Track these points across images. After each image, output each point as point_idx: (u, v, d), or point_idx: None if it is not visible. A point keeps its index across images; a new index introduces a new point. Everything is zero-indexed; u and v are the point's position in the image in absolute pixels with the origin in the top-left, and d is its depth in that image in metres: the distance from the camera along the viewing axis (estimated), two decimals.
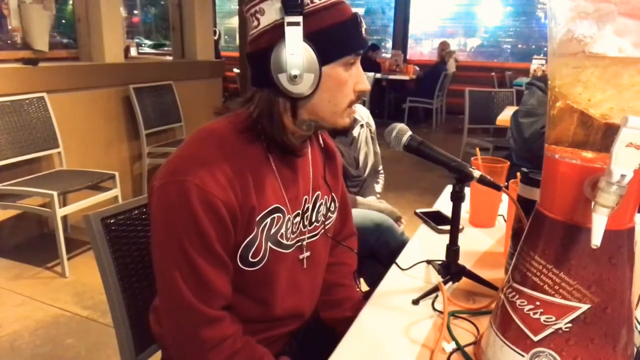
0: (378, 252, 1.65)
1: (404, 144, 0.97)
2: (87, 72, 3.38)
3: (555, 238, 0.66)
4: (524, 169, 1.01)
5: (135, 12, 9.51)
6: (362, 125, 1.97)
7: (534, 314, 0.67)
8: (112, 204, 1.09)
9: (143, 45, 9.00)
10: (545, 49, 4.90)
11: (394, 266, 1.11)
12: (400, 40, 9.05)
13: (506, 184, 1.17)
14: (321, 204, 1.01)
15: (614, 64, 0.61)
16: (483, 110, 4.33)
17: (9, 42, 3.47)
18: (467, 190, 1.01)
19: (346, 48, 0.83)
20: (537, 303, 0.67)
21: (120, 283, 1.01)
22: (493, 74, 6.83)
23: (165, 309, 0.86)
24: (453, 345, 0.81)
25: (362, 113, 2.01)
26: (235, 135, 0.86)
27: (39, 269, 2.73)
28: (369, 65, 6.95)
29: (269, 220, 0.88)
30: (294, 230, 0.94)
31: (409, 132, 0.98)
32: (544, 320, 0.66)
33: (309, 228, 0.98)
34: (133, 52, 5.67)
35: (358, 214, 1.68)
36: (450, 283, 1.00)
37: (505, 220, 1.29)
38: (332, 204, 1.05)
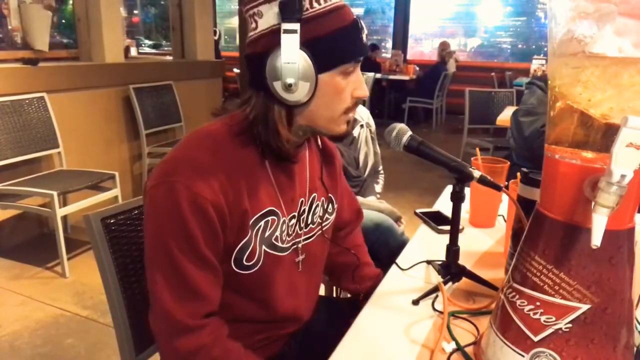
0: (378, 252, 1.65)
1: (404, 144, 0.97)
2: (87, 72, 3.38)
3: (555, 238, 0.66)
4: (524, 169, 1.01)
5: (135, 12, 9.51)
6: (362, 126, 1.97)
7: (534, 314, 0.67)
8: (112, 204, 1.09)
9: (143, 45, 9.01)
10: (545, 49, 4.90)
11: (394, 266, 1.11)
12: (400, 40, 9.05)
13: (506, 184, 1.17)
14: (317, 205, 1.00)
15: (614, 64, 0.61)
16: (483, 110, 4.33)
17: (9, 42, 3.47)
18: (467, 190, 1.01)
19: (345, 56, 0.81)
20: (537, 303, 0.67)
21: (120, 283, 1.01)
22: (493, 74, 6.83)
23: (151, 313, 0.86)
24: (453, 345, 0.81)
25: (362, 113, 2.01)
26: (230, 137, 0.85)
27: (39, 269, 2.73)
28: (369, 65, 6.95)
29: (262, 223, 0.87)
30: (290, 232, 0.93)
31: (409, 132, 0.98)
32: (544, 321, 0.66)
33: (305, 230, 0.97)
34: (133, 52, 5.67)
35: None
36: (450, 283, 1.00)
37: (505, 221, 1.29)
38: (330, 205, 1.04)
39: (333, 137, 0.90)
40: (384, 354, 0.81)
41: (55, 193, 2.51)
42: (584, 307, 0.64)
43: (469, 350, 0.80)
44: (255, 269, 0.88)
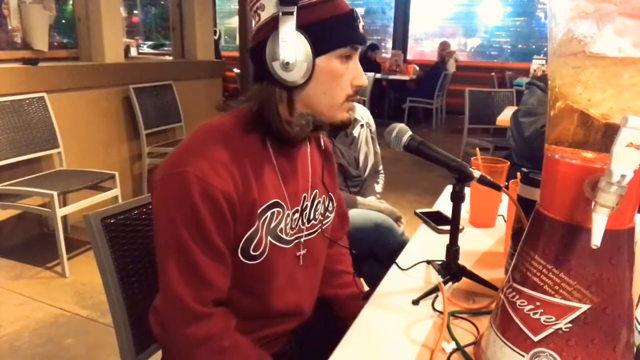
0: (378, 252, 1.65)
1: (404, 144, 0.97)
2: (87, 72, 3.38)
3: (555, 238, 0.66)
4: (524, 169, 1.01)
5: (135, 12, 9.51)
6: (362, 125, 1.97)
7: (534, 314, 0.67)
8: (112, 204, 1.09)
9: (143, 45, 9.01)
10: (545, 49, 4.90)
11: (394, 266, 1.11)
12: (400, 40, 9.05)
13: (506, 184, 1.17)
14: (319, 202, 1.01)
15: (614, 64, 0.61)
16: (483, 110, 4.33)
17: (9, 42, 3.47)
18: (467, 190, 1.01)
19: (340, 40, 0.85)
20: (537, 303, 0.67)
21: (120, 283, 1.01)
22: (493, 74, 6.83)
23: (160, 303, 0.87)
24: (453, 345, 0.81)
25: (363, 113, 2.01)
26: (237, 129, 0.87)
27: (39, 269, 2.73)
28: (369, 65, 6.95)
29: (269, 214, 0.89)
30: (293, 226, 0.95)
31: (409, 132, 0.98)
32: (544, 321, 0.66)
33: (307, 226, 0.99)
34: (133, 52, 5.67)
35: (358, 214, 1.68)
36: (450, 283, 1.00)
37: (505, 221, 1.29)
38: (330, 204, 1.05)
39: (335, 126, 0.91)
40: (384, 354, 0.81)
41: (55, 193, 2.51)
42: (584, 307, 0.64)
43: (469, 350, 0.80)
44: (261, 259, 0.89)
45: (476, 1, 9.06)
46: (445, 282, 0.98)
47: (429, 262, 1.12)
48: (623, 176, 0.56)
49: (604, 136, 0.62)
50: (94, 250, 0.99)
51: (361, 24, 0.88)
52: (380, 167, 2.12)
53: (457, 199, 0.96)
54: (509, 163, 1.31)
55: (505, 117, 3.35)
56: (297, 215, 0.95)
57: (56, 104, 3.04)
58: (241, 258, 0.88)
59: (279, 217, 0.91)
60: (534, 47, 8.49)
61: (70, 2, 3.70)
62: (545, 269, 0.66)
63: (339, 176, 1.80)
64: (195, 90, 4.35)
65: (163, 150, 3.70)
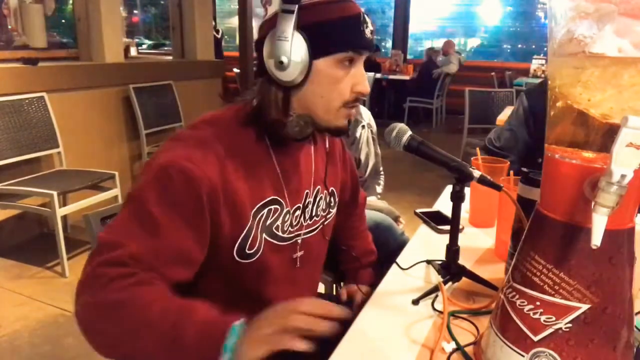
0: (378, 251, 1.65)
1: (404, 144, 0.97)
2: (87, 71, 3.38)
3: (555, 238, 0.66)
4: (524, 169, 1.01)
5: (135, 12, 9.51)
6: (363, 126, 1.97)
7: (534, 314, 0.67)
8: (112, 203, 1.09)
9: (143, 45, 9.01)
10: (545, 49, 4.90)
11: (394, 266, 1.11)
12: (400, 40, 9.04)
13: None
14: (321, 198, 1.01)
15: (614, 64, 0.61)
16: (483, 110, 4.33)
17: (8, 42, 3.47)
18: (467, 190, 1.01)
19: (341, 45, 0.82)
20: (537, 303, 0.67)
21: None
22: (493, 74, 6.82)
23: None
24: (453, 345, 0.81)
25: (364, 114, 2.01)
26: (236, 125, 0.86)
27: (39, 269, 2.73)
28: (369, 65, 6.93)
29: (265, 211, 0.88)
30: (294, 223, 0.94)
31: (409, 132, 0.98)
32: (544, 320, 0.66)
33: (309, 222, 0.98)
34: (133, 51, 5.67)
35: None
36: (450, 283, 1.00)
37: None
38: (332, 199, 1.05)
39: (330, 131, 0.90)
40: (384, 354, 0.81)
41: (55, 193, 2.51)
42: (584, 307, 0.64)
43: (469, 350, 0.80)
44: (256, 257, 0.88)
45: (476, 1, 9.06)
46: (445, 282, 0.98)
47: (429, 262, 1.12)
48: (623, 176, 0.56)
49: (604, 136, 0.62)
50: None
51: (369, 29, 0.84)
52: (381, 168, 2.12)
53: (457, 199, 0.96)
54: (508, 163, 1.31)
55: (505, 117, 3.35)
56: (298, 212, 0.95)
57: (56, 103, 3.04)
58: (237, 258, 0.87)
59: (276, 214, 0.90)
60: (534, 47, 8.50)
61: (70, 2, 3.70)
62: (545, 269, 0.66)
63: None
64: (195, 90, 4.35)
65: None
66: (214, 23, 5.94)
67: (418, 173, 4.73)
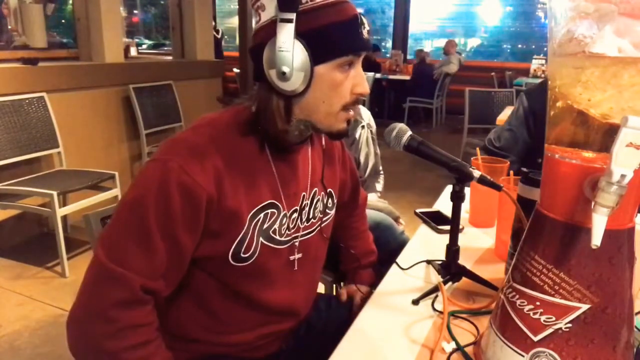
0: (378, 251, 1.65)
1: (404, 144, 0.97)
2: (87, 72, 3.38)
3: (555, 238, 0.66)
4: (524, 169, 1.01)
5: (135, 11, 9.52)
6: (363, 127, 1.97)
7: (534, 314, 0.67)
8: (111, 203, 1.09)
9: (143, 45, 9.01)
10: (545, 49, 4.90)
11: (394, 266, 1.11)
12: (400, 40, 9.04)
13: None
14: (318, 200, 1.01)
15: (614, 64, 0.61)
16: (483, 110, 4.33)
17: (8, 42, 3.48)
18: (467, 190, 1.01)
19: (341, 49, 0.81)
20: (537, 303, 0.67)
21: None
22: (493, 74, 6.82)
23: (89, 274, 0.81)
24: (453, 345, 0.81)
25: (364, 114, 2.01)
26: (234, 129, 0.86)
27: (39, 269, 2.73)
28: (369, 65, 6.95)
29: (262, 215, 0.88)
30: (291, 226, 0.94)
31: (409, 132, 0.98)
32: (544, 320, 0.66)
33: (306, 224, 0.98)
34: (133, 51, 5.67)
35: None
36: (450, 283, 1.00)
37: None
38: (330, 200, 1.05)
39: (331, 135, 0.90)
40: (384, 354, 0.81)
41: (55, 193, 2.51)
42: (584, 307, 0.64)
43: (469, 350, 0.80)
44: (251, 260, 0.88)
45: (476, 1, 9.07)
46: (445, 282, 0.98)
47: (429, 262, 1.12)
48: (623, 176, 0.56)
49: (604, 136, 0.62)
50: (94, 250, 0.99)
51: (366, 29, 0.84)
52: (380, 168, 2.12)
53: (457, 199, 0.96)
54: (508, 163, 1.31)
55: (505, 117, 3.35)
56: (295, 215, 0.94)
57: (56, 103, 3.04)
58: (232, 262, 0.86)
59: (273, 217, 0.90)
60: (534, 47, 8.50)
61: (70, 2, 3.70)
62: (545, 269, 0.66)
63: None
64: (195, 90, 4.35)
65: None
66: (214, 23, 5.94)
67: (418, 173, 4.73)
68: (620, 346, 0.66)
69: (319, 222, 1.02)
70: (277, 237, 0.91)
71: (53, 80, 3.12)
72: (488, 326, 0.77)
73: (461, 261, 1.01)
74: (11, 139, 2.78)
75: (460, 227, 1.05)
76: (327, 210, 1.04)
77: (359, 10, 0.85)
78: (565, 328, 0.65)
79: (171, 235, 0.79)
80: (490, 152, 1.78)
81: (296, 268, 0.97)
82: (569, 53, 0.64)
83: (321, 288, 1.38)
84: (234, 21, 10.22)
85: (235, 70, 7.22)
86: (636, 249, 0.67)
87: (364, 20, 0.84)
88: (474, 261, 1.15)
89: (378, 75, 7.10)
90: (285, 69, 0.78)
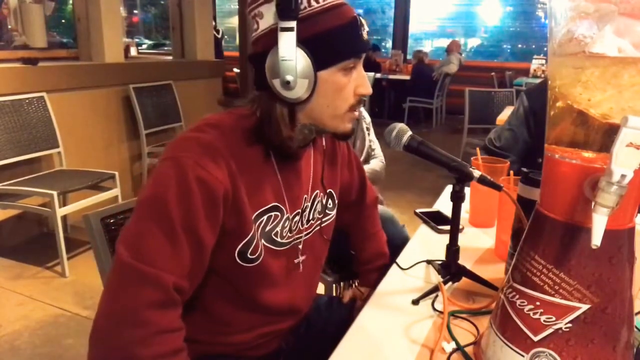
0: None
1: (404, 144, 0.97)
2: (87, 71, 3.38)
3: (555, 238, 0.66)
4: (524, 169, 1.01)
5: (135, 11, 9.52)
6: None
7: (534, 314, 0.67)
8: (112, 203, 1.09)
9: (143, 45, 9.01)
10: (545, 49, 4.90)
11: (394, 266, 1.11)
12: (400, 40, 9.04)
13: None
14: (318, 202, 1.01)
15: (614, 64, 0.61)
16: (483, 110, 4.33)
17: (8, 42, 3.48)
18: (467, 190, 1.01)
19: (343, 53, 0.81)
20: (537, 303, 0.67)
21: None
22: (493, 74, 6.82)
23: (113, 278, 0.76)
24: (453, 345, 0.81)
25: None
26: (239, 135, 0.85)
27: (39, 268, 2.73)
28: (369, 65, 6.95)
29: (265, 217, 0.88)
30: (292, 228, 0.94)
31: (409, 132, 0.98)
32: (544, 320, 0.66)
33: (306, 226, 0.98)
34: (133, 51, 5.67)
35: None
36: (450, 283, 1.00)
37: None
38: (330, 201, 1.04)
39: (337, 136, 0.90)
40: (384, 354, 0.81)
41: (55, 193, 2.51)
42: (584, 307, 0.64)
43: (469, 350, 0.80)
44: (257, 262, 0.88)
45: (476, 1, 9.06)
46: (445, 282, 0.98)
47: (429, 262, 1.12)
48: (623, 176, 0.56)
49: (604, 136, 0.62)
50: (94, 250, 0.99)
51: (365, 30, 0.84)
52: (381, 156, 2.10)
53: (457, 199, 0.96)
54: (508, 163, 1.31)
55: (505, 117, 3.35)
56: (297, 217, 0.95)
57: (56, 103, 3.04)
58: (239, 261, 0.86)
59: (276, 220, 0.90)
60: (534, 47, 8.50)
61: (70, 2, 3.70)
62: (545, 269, 0.66)
63: None
64: (195, 90, 4.35)
65: (163, 150, 3.70)
66: (214, 23, 5.94)
67: (418, 173, 4.73)
68: (620, 346, 0.66)
69: (318, 223, 1.02)
70: (279, 240, 0.92)
71: (53, 80, 3.12)
72: (488, 326, 0.77)
73: (461, 261, 1.01)
74: (11, 139, 2.78)
75: (460, 227, 1.05)
76: (326, 211, 1.04)
77: (359, 10, 0.86)
78: (565, 328, 0.65)
79: (194, 232, 0.77)
80: (490, 151, 1.79)
81: (301, 270, 0.98)
82: (569, 53, 0.64)
83: (321, 288, 1.38)
84: (234, 21, 10.22)
85: (236, 70, 7.23)
86: (636, 249, 0.67)
87: (362, 21, 0.84)
88: (474, 261, 1.15)
89: (378, 75, 7.10)
90: (289, 77, 0.78)
